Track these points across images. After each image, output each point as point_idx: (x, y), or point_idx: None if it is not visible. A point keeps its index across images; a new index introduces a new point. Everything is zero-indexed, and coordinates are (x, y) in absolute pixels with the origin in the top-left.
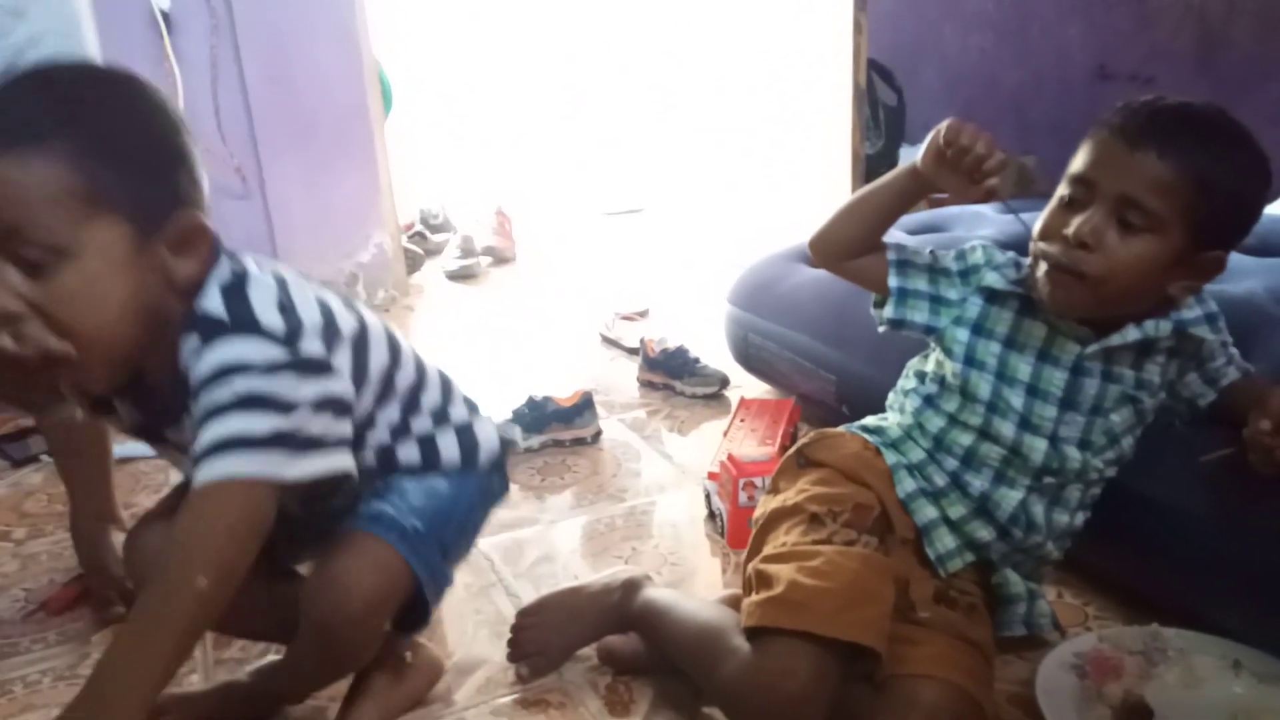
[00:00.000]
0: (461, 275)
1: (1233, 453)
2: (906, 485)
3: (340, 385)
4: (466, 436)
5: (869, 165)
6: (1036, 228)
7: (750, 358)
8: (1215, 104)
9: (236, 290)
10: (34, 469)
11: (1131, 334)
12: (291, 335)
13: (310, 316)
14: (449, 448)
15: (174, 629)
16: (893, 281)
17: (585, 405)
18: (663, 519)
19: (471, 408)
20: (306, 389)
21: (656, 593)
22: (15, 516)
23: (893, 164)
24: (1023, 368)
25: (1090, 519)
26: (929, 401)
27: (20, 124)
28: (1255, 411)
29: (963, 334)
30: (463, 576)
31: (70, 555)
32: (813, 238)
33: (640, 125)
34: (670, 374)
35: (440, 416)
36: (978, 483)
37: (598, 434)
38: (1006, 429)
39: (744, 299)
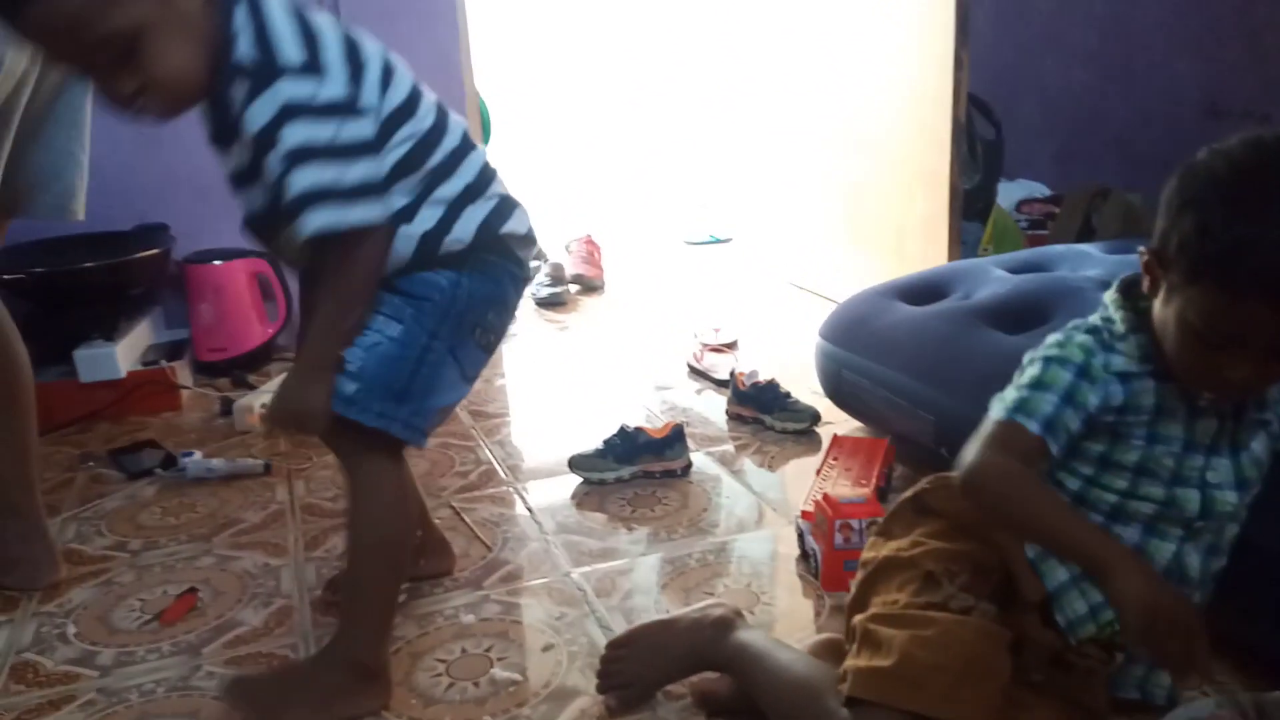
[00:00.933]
0: (550, 303)
1: None
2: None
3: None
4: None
5: (966, 200)
6: (1172, 350)
7: (844, 394)
8: None
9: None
10: (148, 482)
11: None
12: (335, 77)
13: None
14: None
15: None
16: (1055, 449)
17: (676, 437)
18: (752, 556)
19: (481, 187)
20: (356, 129)
21: (750, 635)
22: (131, 528)
23: (990, 200)
24: (1174, 431)
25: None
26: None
27: None
28: None
29: (1107, 418)
30: (556, 607)
31: (183, 566)
32: (972, 486)
33: (734, 155)
34: (761, 408)
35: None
36: (1126, 534)
37: (688, 466)
38: (1154, 488)
39: (838, 334)
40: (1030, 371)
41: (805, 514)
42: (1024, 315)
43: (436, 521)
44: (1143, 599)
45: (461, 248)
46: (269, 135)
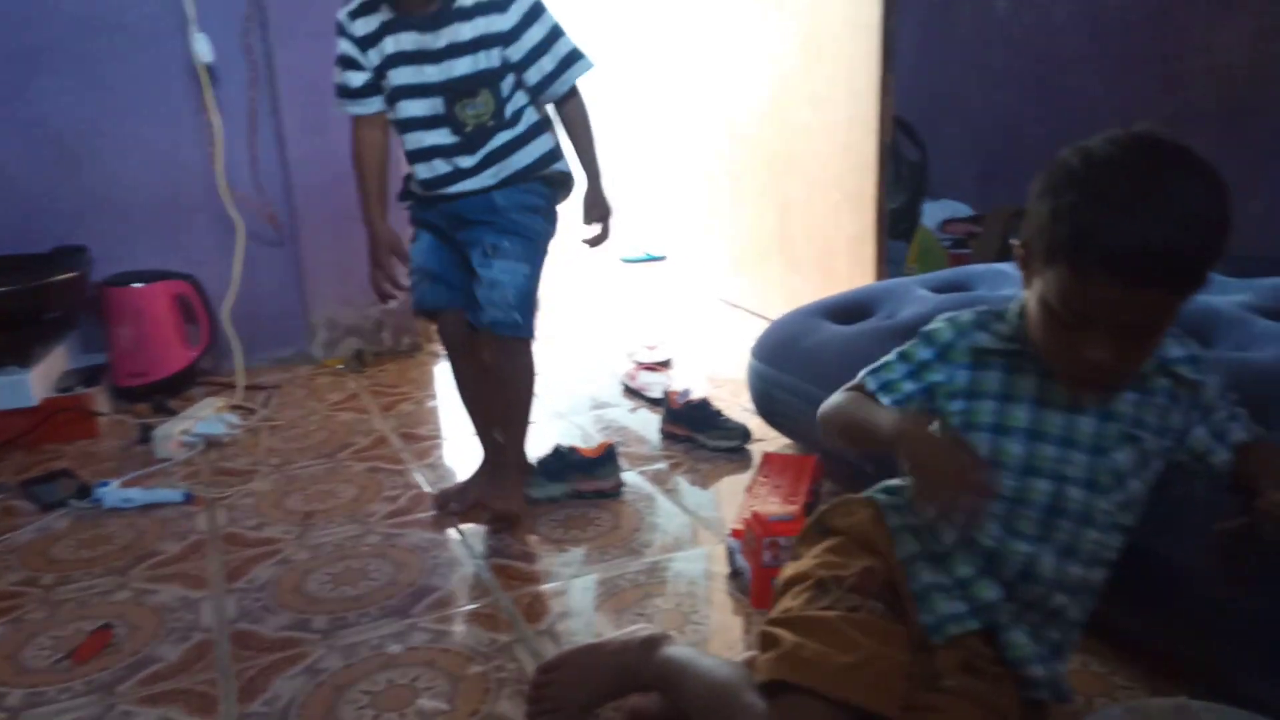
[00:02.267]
0: None
1: (1247, 522)
2: (908, 548)
3: None
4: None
5: (892, 219)
6: (1035, 333)
7: (774, 412)
8: (1166, 147)
9: None
10: (62, 513)
11: None
12: None
13: None
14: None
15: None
16: (887, 403)
17: (609, 457)
18: (684, 575)
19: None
20: None
21: (675, 650)
22: (43, 562)
23: (915, 220)
24: (1020, 415)
25: (1115, 582)
26: None
27: None
28: (1266, 479)
29: (956, 404)
30: (485, 633)
31: (98, 602)
32: (818, 420)
33: (669, 174)
34: (693, 427)
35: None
36: (989, 539)
37: (619, 486)
38: (1008, 479)
39: (768, 353)
40: (908, 342)
41: (735, 532)
42: None
43: (364, 548)
44: (915, 456)
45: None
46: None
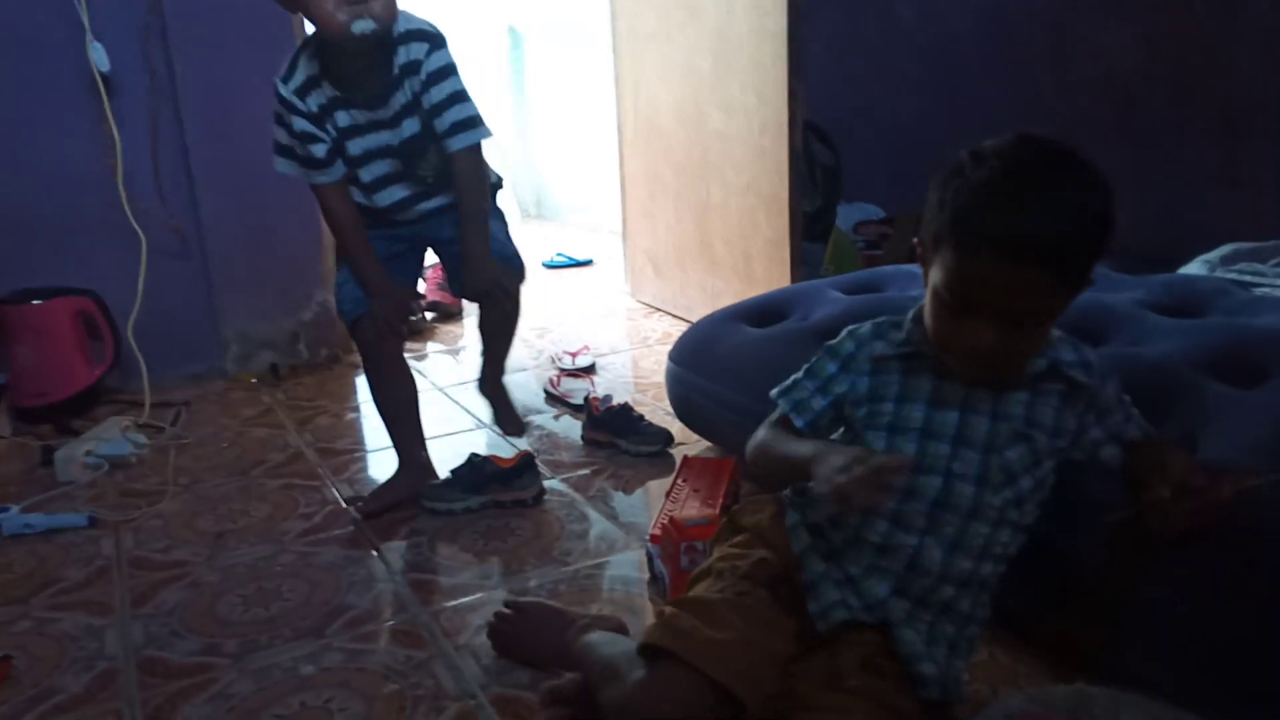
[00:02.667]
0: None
1: (1133, 515)
2: (802, 541)
3: None
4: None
5: (808, 222)
6: (929, 324)
7: (693, 416)
8: (1049, 147)
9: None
10: None
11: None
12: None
13: None
14: None
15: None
16: (799, 424)
17: (526, 466)
18: (607, 582)
19: None
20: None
21: (597, 635)
22: None
23: (830, 222)
24: (915, 415)
25: (1018, 574)
26: None
27: None
28: (1155, 475)
29: (860, 410)
30: (402, 650)
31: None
32: (746, 461)
33: (588, 178)
34: (614, 432)
35: None
36: (877, 527)
37: (540, 495)
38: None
39: (686, 358)
40: (814, 358)
41: (653, 537)
42: None
43: (277, 568)
44: (825, 477)
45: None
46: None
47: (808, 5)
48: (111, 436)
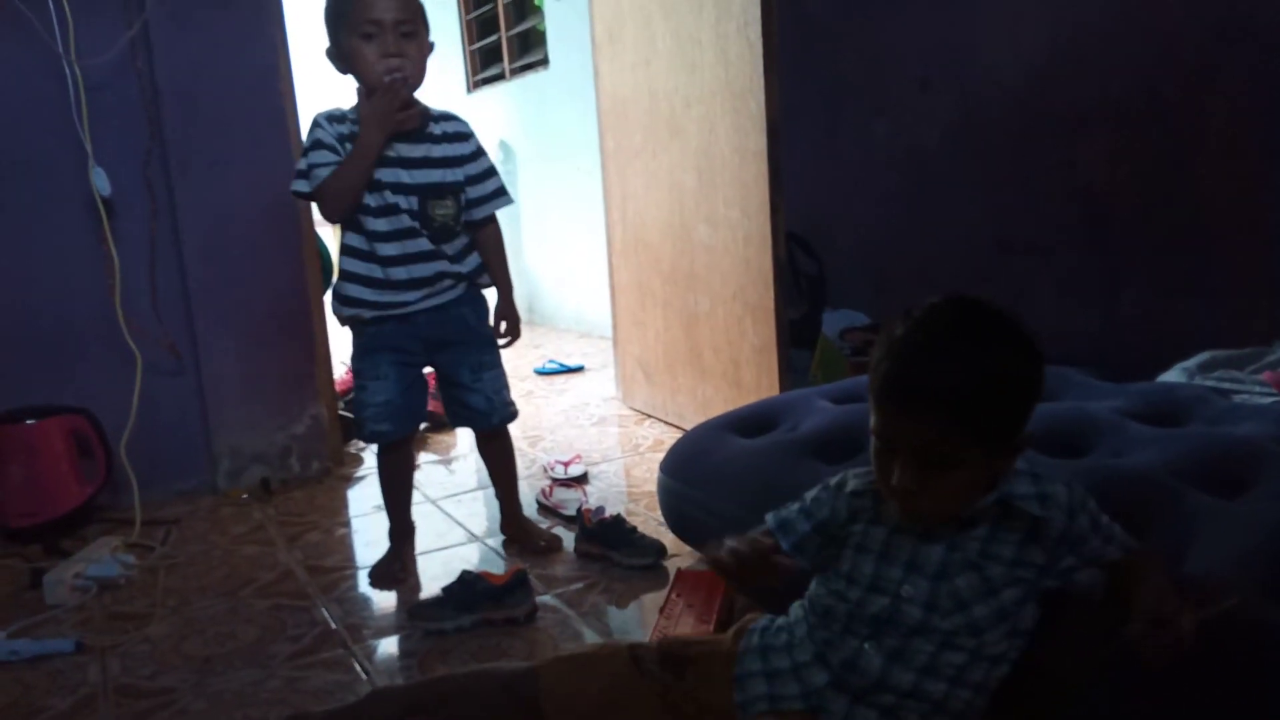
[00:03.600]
0: None
1: (1110, 652)
2: (752, 641)
3: None
4: None
5: (794, 329)
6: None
7: (685, 528)
8: (964, 308)
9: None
10: None
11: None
12: None
13: None
14: None
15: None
16: (786, 545)
17: (518, 583)
18: None
19: None
20: None
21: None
22: None
23: (816, 328)
24: (877, 538)
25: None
26: (818, 580)
27: None
28: (1136, 602)
29: (841, 532)
30: None
31: None
32: None
33: (579, 288)
34: (607, 545)
35: None
36: (824, 632)
37: (532, 612)
38: (855, 591)
39: (677, 469)
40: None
41: None
42: (844, 445)
43: (264, 695)
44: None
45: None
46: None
47: (786, 123)
48: (100, 557)
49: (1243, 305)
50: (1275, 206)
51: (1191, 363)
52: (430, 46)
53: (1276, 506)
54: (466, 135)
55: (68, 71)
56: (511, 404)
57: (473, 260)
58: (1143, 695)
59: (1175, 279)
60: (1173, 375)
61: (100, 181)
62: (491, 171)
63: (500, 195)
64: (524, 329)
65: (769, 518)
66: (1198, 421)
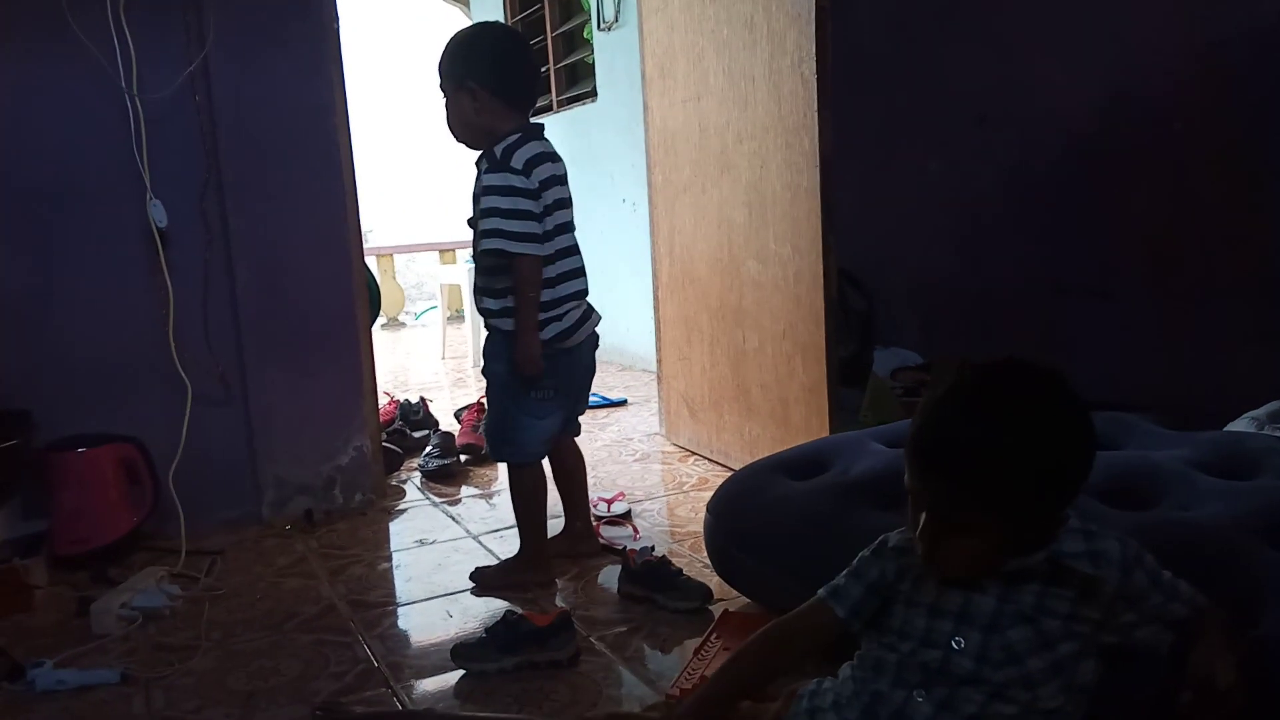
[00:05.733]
0: (440, 475)
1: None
2: (800, 706)
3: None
4: None
5: (844, 367)
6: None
7: (732, 571)
8: (1006, 372)
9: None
10: None
11: (1009, 565)
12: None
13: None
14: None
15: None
16: (840, 614)
17: (562, 625)
18: None
19: None
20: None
21: None
22: None
23: (867, 365)
24: (928, 593)
25: None
26: (868, 639)
27: None
28: (1191, 670)
29: (890, 589)
30: None
31: None
32: None
33: (625, 321)
34: (652, 588)
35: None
36: (874, 685)
37: (575, 656)
38: (907, 645)
39: (725, 510)
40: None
41: (670, 696)
42: (898, 489)
43: None
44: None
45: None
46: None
47: (839, 158)
48: (147, 587)
49: None
50: None
51: (1261, 412)
52: (469, 94)
53: None
54: (491, 169)
55: (129, 104)
56: (503, 447)
57: (502, 300)
58: None
59: (1241, 324)
60: (1241, 424)
61: (157, 213)
62: (490, 212)
63: (487, 236)
64: None
65: (821, 592)
66: (1268, 473)
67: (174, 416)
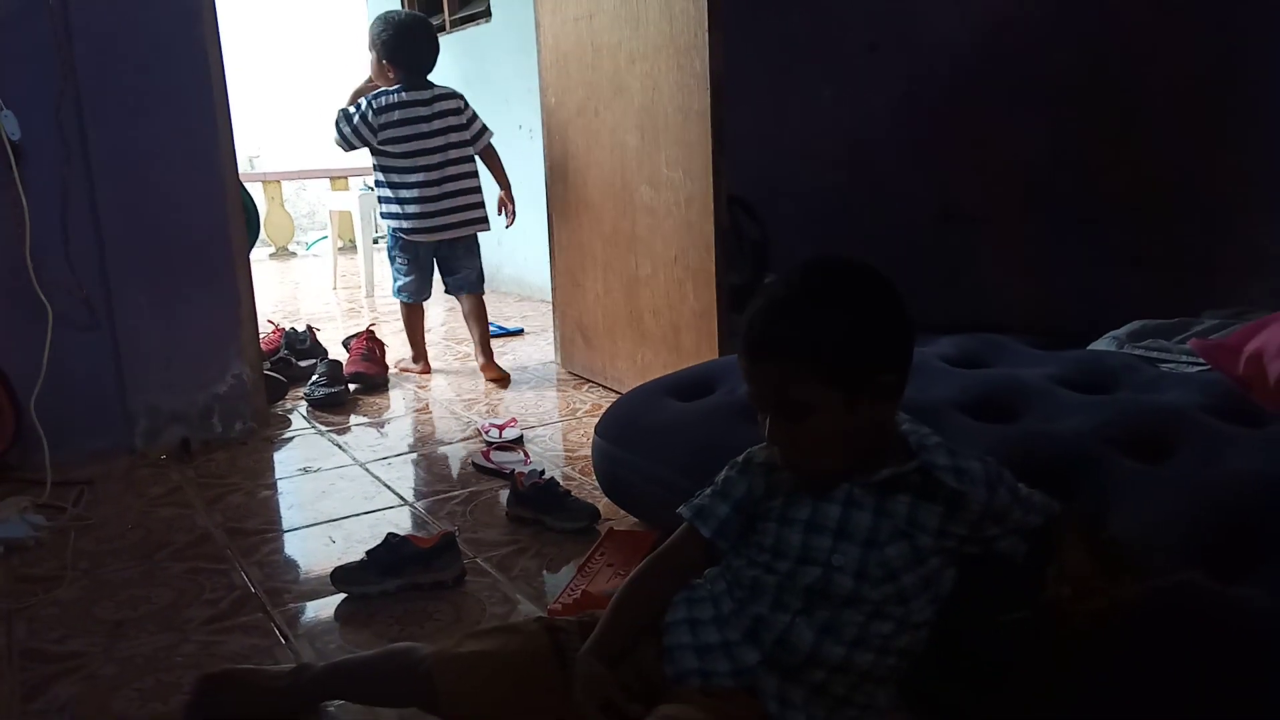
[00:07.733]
0: (327, 404)
1: (1028, 615)
2: (678, 612)
3: None
4: None
5: (736, 294)
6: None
7: (620, 492)
8: (822, 268)
9: None
10: None
11: (883, 473)
12: None
13: None
14: None
15: None
16: (706, 532)
17: (446, 547)
18: None
19: None
20: None
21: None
22: None
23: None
24: (802, 509)
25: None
26: (736, 554)
27: None
28: (1053, 571)
29: (757, 508)
30: None
31: None
32: None
33: (521, 248)
34: (540, 509)
35: None
36: (755, 608)
37: (460, 576)
38: (783, 564)
39: (613, 432)
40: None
41: (552, 611)
42: None
43: (178, 660)
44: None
45: None
46: None
47: (733, 85)
48: (8, 518)
49: (1173, 277)
50: (1208, 182)
51: (1121, 332)
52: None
53: (1198, 472)
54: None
55: None
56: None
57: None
58: (1091, 665)
59: (1110, 250)
60: (1103, 344)
61: (9, 125)
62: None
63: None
64: None
65: (682, 510)
66: (1126, 389)
67: (35, 341)
